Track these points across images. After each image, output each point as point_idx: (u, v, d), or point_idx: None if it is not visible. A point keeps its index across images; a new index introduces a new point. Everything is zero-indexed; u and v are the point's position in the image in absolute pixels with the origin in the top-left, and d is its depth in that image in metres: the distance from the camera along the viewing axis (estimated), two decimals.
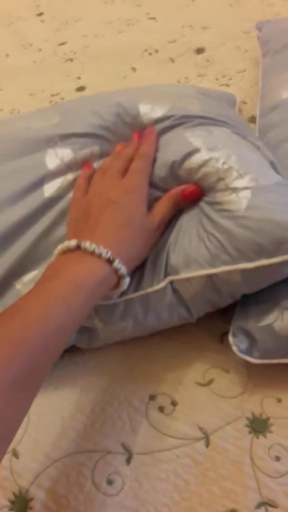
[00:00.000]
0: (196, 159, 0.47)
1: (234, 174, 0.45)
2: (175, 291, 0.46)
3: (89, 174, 0.51)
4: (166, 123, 0.51)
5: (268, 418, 0.44)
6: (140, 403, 0.46)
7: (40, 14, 1.07)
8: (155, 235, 0.47)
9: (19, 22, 1.06)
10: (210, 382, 0.46)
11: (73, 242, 0.41)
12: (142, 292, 0.45)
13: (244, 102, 0.72)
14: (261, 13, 0.89)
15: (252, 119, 0.68)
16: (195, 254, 0.44)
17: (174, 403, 0.46)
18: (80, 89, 0.83)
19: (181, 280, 0.45)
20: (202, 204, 0.47)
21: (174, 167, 0.48)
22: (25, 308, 0.36)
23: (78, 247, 0.41)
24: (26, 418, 0.46)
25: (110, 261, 0.41)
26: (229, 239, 0.43)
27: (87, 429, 0.45)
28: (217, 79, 0.78)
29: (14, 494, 0.43)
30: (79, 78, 0.86)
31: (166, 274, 0.46)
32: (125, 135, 0.53)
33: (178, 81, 0.80)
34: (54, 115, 0.56)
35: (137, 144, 0.51)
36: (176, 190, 0.48)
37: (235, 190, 0.45)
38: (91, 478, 0.43)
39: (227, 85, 0.77)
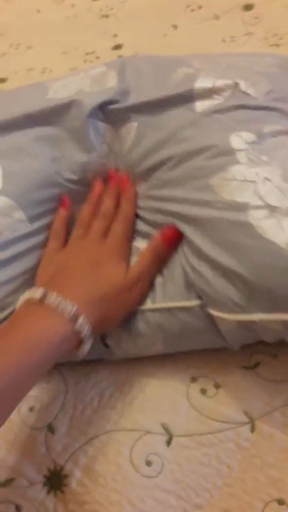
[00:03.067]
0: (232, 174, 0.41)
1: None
2: (208, 316, 0.41)
3: (65, 217, 0.49)
4: (218, 107, 0.45)
5: None
6: (181, 384, 0.44)
7: None
8: (133, 295, 0.43)
9: None
10: (256, 365, 0.44)
11: (39, 292, 0.38)
12: (170, 304, 0.42)
13: None
14: None
15: None
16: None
17: (217, 386, 0.43)
18: (117, 47, 0.78)
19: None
20: None
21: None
22: None
23: (43, 298, 0.38)
24: (63, 393, 0.45)
25: (74, 321, 0.38)
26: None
27: (126, 408, 0.43)
28: (266, 38, 0.72)
29: (49, 469, 0.42)
30: (115, 35, 0.81)
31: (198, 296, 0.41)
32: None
33: (224, 40, 0.74)
34: None
35: (115, 192, 0.48)
36: (154, 241, 0.44)
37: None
38: (129, 458, 0.41)
39: (277, 45, 0.71)
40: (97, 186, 0.50)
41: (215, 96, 0.46)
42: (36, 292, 0.39)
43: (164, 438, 0.41)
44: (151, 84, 0.50)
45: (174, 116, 0.47)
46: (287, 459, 0.39)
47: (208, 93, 0.46)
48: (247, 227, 0.38)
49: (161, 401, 0.43)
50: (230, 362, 0.44)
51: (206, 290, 0.40)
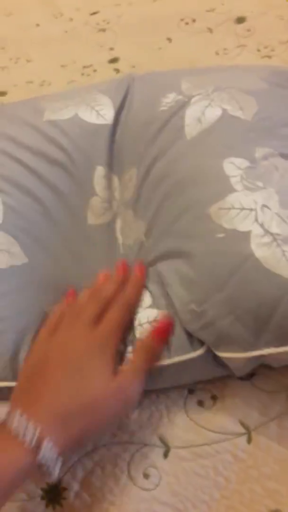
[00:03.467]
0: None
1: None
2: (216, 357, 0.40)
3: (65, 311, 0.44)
4: (207, 133, 0.45)
5: None
6: (178, 396, 0.44)
7: None
8: (123, 399, 0.39)
9: None
10: (252, 376, 0.44)
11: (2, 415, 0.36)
12: (175, 360, 0.40)
13: None
14: None
15: None
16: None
17: (214, 398, 0.43)
18: (113, 60, 0.79)
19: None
20: None
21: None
22: None
23: (7, 420, 0.36)
24: None
25: (36, 448, 0.34)
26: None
27: (123, 420, 0.44)
28: (258, 50, 0.73)
29: (47, 483, 0.42)
30: (112, 49, 0.82)
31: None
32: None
33: (217, 53, 0.75)
34: None
35: (120, 280, 0.45)
36: (146, 339, 0.41)
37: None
38: (127, 471, 0.41)
39: (269, 57, 0.72)
40: (102, 275, 0.46)
41: (204, 123, 0.46)
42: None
43: (162, 450, 0.42)
44: (141, 114, 0.51)
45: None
46: (283, 470, 0.39)
47: (196, 121, 0.47)
48: (252, 260, 0.37)
49: (159, 413, 0.43)
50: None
51: (215, 334, 0.39)
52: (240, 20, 0.79)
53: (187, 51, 0.77)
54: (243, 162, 0.43)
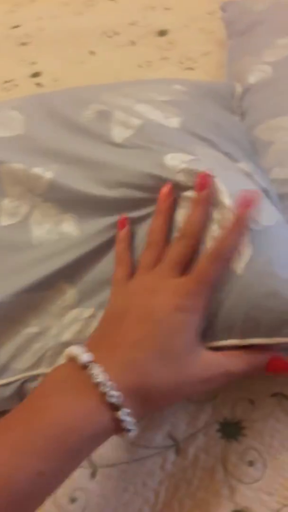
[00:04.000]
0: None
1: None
2: None
3: (125, 238, 0.41)
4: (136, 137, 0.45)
5: (240, 422, 0.41)
6: None
7: None
8: (199, 385, 0.35)
9: None
10: None
11: (84, 358, 0.32)
12: None
13: None
14: None
15: None
16: None
17: None
18: (36, 75, 0.79)
19: None
20: None
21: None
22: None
23: (86, 366, 0.32)
24: None
25: (117, 408, 0.31)
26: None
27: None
28: (181, 63, 0.75)
29: None
30: (34, 63, 0.81)
31: None
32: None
33: (140, 66, 0.76)
34: None
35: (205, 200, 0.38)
36: (257, 355, 0.37)
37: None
38: (53, 498, 0.39)
39: (192, 69, 0.74)
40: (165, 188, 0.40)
41: (131, 128, 0.46)
42: (82, 357, 0.32)
43: (89, 471, 0.40)
44: (62, 123, 0.49)
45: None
46: (211, 479, 0.39)
47: (123, 127, 0.46)
48: None
49: None
50: None
51: None
52: (162, 33, 0.81)
53: (110, 64, 0.78)
54: (186, 156, 0.42)
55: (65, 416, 0.30)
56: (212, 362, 0.35)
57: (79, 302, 0.42)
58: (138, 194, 0.41)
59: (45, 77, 0.77)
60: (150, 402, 0.33)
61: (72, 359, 0.33)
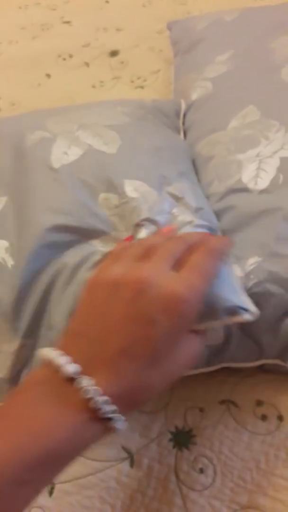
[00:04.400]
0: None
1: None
2: None
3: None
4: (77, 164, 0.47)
5: (191, 430, 0.43)
6: None
7: None
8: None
9: None
10: None
11: (70, 369, 0.29)
12: None
13: None
14: (173, 12, 0.89)
15: None
16: None
17: None
18: None
19: None
20: None
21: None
22: None
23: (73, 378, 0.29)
24: None
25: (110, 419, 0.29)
26: None
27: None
28: (132, 81, 0.77)
29: None
30: None
31: None
32: None
33: (93, 86, 0.78)
34: None
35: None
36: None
37: None
38: None
39: (142, 87, 0.76)
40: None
41: (71, 155, 0.47)
42: (67, 369, 0.29)
43: (46, 488, 0.41)
44: (8, 149, 0.51)
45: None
46: (165, 489, 0.40)
47: (63, 154, 0.47)
48: None
49: None
50: None
51: None
52: (114, 53, 0.83)
53: (65, 86, 0.79)
54: (116, 199, 0.43)
55: (52, 428, 0.28)
56: (194, 344, 0.33)
57: None
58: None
59: (2, 102, 0.79)
60: (140, 402, 0.32)
61: (49, 364, 0.30)
